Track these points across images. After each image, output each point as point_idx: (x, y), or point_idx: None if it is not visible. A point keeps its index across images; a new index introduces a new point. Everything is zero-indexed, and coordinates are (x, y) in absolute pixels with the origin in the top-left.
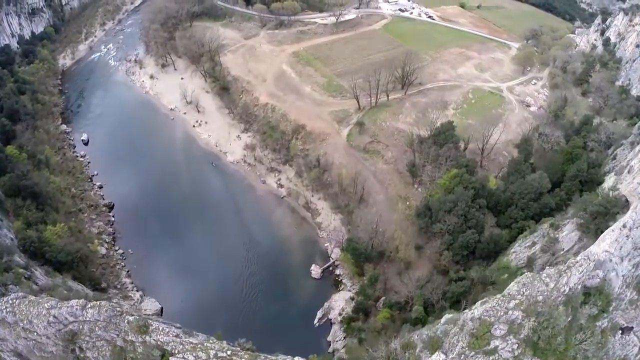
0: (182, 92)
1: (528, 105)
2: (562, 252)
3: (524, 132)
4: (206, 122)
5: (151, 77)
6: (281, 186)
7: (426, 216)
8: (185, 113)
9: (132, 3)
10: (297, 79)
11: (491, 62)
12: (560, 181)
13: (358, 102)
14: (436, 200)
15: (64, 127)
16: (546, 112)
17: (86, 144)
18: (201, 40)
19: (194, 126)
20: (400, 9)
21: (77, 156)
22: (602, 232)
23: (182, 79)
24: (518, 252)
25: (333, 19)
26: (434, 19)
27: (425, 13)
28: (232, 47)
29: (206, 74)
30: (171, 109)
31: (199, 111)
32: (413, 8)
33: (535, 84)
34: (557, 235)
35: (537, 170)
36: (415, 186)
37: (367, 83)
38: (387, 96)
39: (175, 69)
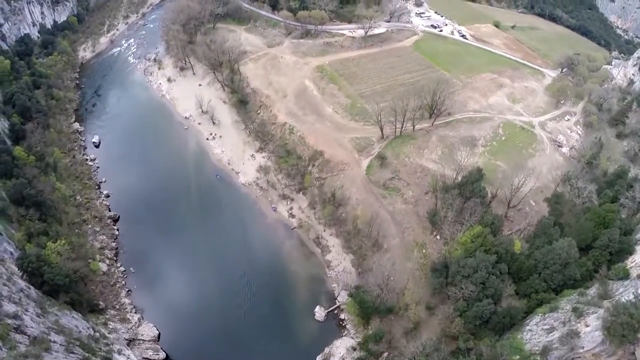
0: (198, 100)
1: (560, 146)
2: (581, 351)
3: (554, 179)
4: (220, 136)
5: (169, 80)
6: (292, 216)
7: (442, 275)
8: (199, 123)
9: None
10: (319, 97)
11: (524, 92)
12: (588, 246)
13: (382, 130)
14: (455, 259)
15: (76, 125)
16: (578, 158)
17: (97, 146)
18: (222, 46)
19: (207, 139)
20: (432, 25)
21: (87, 159)
22: (629, 342)
23: (199, 85)
24: (534, 332)
25: (362, 32)
26: (467, 38)
27: (458, 31)
28: (254, 56)
29: (225, 83)
30: (186, 117)
31: (214, 123)
32: (445, 25)
33: (568, 120)
34: (579, 328)
35: (565, 231)
36: (434, 234)
37: (392, 109)
38: (413, 126)
39: (194, 74)
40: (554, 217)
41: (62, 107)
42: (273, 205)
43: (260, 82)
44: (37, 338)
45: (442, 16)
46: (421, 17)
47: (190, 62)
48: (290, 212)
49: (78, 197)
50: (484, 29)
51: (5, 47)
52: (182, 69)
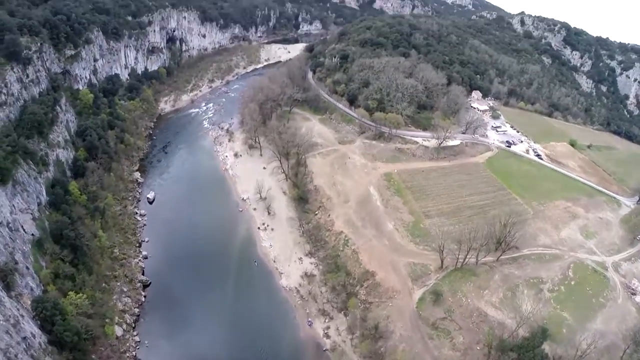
0: (259, 184)
1: (634, 293)
2: None
3: (624, 337)
4: (272, 229)
5: (235, 155)
6: (327, 336)
7: None
8: (255, 209)
9: (244, 68)
10: (381, 209)
11: (598, 225)
12: None
13: (442, 260)
14: None
15: (137, 175)
16: None
17: (151, 202)
18: (294, 134)
19: (259, 228)
20: (507, 141)
21: (137, 213)
22: None
23: (264, 168)
24: None
25: (435, 142)
26: (542, 159)
27: (533, 150)
28: (323, 150)
29: (289, 174)
30: (243, 199)
31: (269, 213)
32: (521, 141)
33: None
34: None
35: None
36: None
37: (457, 240)
38: (477, 259)
39: (261, 155)
40: None
41: (129, 153)
42: (309, 320)
43: (324, 180)
44: None
45: (518, 131)
46: (497, 131)
47: (259, 143)
48: (326, 331)
49: (116, 251)
50: (559, 148)
51: (94, 81)
52: (250, 147)
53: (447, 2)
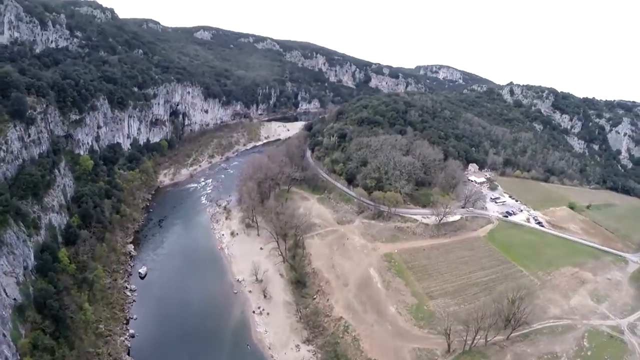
0: (255, 266)
1: None
2: None
3: None
4: (268, 313)
5: (232, 233)
6: None
7: None
8: (250, 291)
9: (244, 145)
10: (383, 292)
11: (608, 287)
12: None
13: (449, 343)
14: None
15: (130, 248)
16: None
17: (142, 277)
18: (292, 214)
19: (254, 312)
20: (507, 212)
21: (127, 288)
22: None
23: (261, 249)
24: None
25: (435, 219)
26: (543, 226)
27: (534, 218)
28: (321, 231)
29: (286, 256)
30: (238, 280)
31: (265, 296)
32: (521, 210)
33: None
34: None
35: None
36: None
37: (464, 322)
38: (486, 340)
39: (258, 235)
40: None
41: (124, 224)
42: None
43: (323, 262)
44: None
45: (516, 200)
46: (496, 202)
47: (257, 222)
48: None
49: (101, 326)
50: (559, 212)
51: (96, 147)
52: (248, 225)
53: (438, 78)
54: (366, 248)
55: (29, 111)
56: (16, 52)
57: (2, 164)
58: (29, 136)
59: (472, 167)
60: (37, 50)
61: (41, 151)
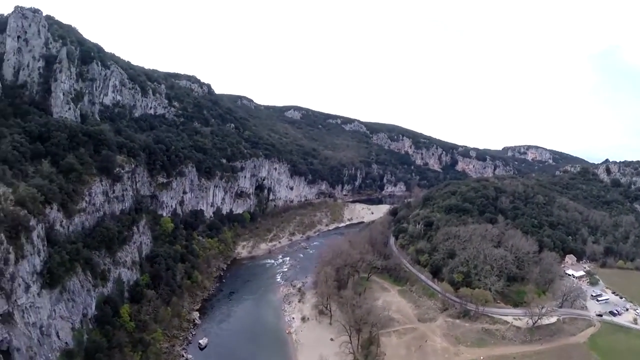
0: (323, 358)
1: None
2: None
3: None
4: None
5: (303, 318)
6: None
7: None
8: None
9: (327, 225)
10: None
11: None
12: None
13: None
14: None
15: (196, 315)
16: None
17: (202, 349)
18: (369, 311)
19: None
20: (611, 312)
21: (183, 356)
22: None
23: (331, 340)
24: None
25: (528, 321)
26: None
27: None
28: (400, 328)
29: (358, 353)
30: None
31: None
32: (626, 309)
33: None
34: None
35: None
36: None
37: None
38: None
39: (330, 324)
40: None
41: (193, 290)
42: None
43: None
44: None
45: (621, 297)
46: (597, 300)
47: (331, 311)
48: None
49: None
50: None
51: (179, 211)
52: (321, 312)
53: (527, 160)
54: (448, 352)
55: (117, 169)
56: (116, 114)
57: (82, 214)
58: (114, 192)
59: (570, 258)
60: (136, 114)
61: (124, 207)
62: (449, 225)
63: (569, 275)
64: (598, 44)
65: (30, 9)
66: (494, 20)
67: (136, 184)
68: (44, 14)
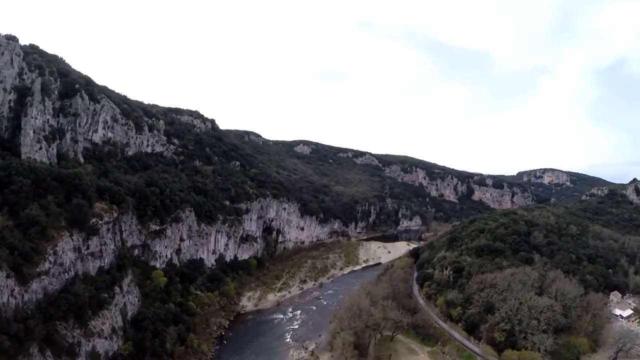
0: None
1: None
2: None
3: None
4: None
5: None
6: None
7: None
8: None
9: (341, 269)
10: None
11: None
12: None
13: None
14: None
15: None
16: None
17: None
18: None
19: None
20: None
21: None
22: None
23: None
24: None
25: None
26: None
27: None
28: None
29: None
30: None
31: None
32: None
33: None
34: None
35: None
36: None
37: None
38: None
39: None
40: None
41: (187, 359)
42: None
43: None
44: None
45: None
46: None
47: None
48: None
49: None
50: None
51: (175, 261)
52: None
53: (544, 184)
54: None
55: (93, 220)
56: (106, 153)
57: (44, 277)
58: (88, 247)
59: (615, 296)
60: (129, 153)
61: (102, 264)
62: (482, 271)
63: (617, 316)
64: (603, 58)
65: (5, 36)
66: (490, 40)
67: (121, 235)
68: (29, 44)
